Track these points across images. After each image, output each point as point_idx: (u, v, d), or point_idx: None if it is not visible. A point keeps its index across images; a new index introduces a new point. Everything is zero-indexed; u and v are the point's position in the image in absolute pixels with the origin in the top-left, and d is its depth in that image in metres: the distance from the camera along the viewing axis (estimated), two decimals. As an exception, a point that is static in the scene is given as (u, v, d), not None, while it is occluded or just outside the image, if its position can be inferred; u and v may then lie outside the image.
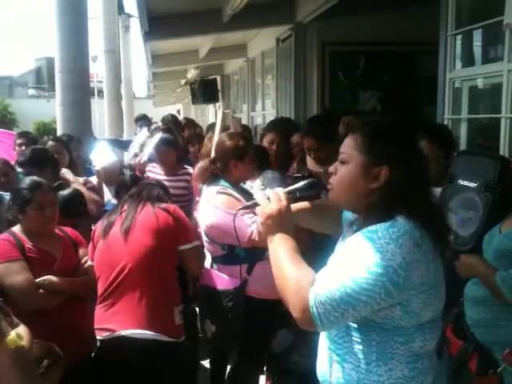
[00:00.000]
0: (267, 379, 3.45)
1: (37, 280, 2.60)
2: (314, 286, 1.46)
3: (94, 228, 2.92)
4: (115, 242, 2.72)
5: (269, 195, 1.67)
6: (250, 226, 2.83)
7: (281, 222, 1.62)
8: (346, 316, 1.44)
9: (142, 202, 2.84)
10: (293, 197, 1.71)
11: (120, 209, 2.86)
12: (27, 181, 2.82)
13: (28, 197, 2.69)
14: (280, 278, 1.56)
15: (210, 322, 3.00)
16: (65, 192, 3.38)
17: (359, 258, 1.44)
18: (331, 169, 1.65)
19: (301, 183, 1.76)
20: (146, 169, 4.60)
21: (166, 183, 4.24)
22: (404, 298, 1.46)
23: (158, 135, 4.49)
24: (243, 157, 3.07)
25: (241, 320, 2.92)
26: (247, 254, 2.91)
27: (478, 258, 2.39)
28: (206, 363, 3.69)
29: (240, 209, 1.89)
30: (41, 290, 2.60)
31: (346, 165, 1.60)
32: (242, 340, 2.98)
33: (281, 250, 1.58)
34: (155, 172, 4.50)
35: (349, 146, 1.61)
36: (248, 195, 3.11)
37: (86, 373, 2.65)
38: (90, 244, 2.88)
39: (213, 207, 2.96)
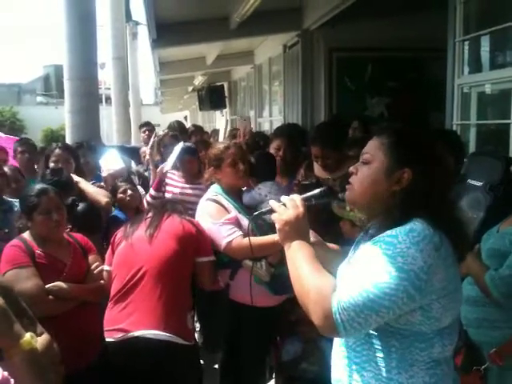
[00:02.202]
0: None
1: (46, 286, 2.60)
2: (336, 292, 1.45)
3: (114, 234, 2.96)
4: (139, 243, 2.78)
5: (285, 201, 1.67)
6: (225, 237, 2.89)
7: (298, 228, 1.62)
8: (369, 322, 1.44)
9: (166, 212, 2.94)
10: (308, 204, 1.70)
11: (144, 216, 2.95)
12: (33, 188, 2.85)
13: (34, 202, 2.71)
14: (299, 286, 1.55)
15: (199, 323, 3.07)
16: (81, 207, 3.38)
17: (380, 263, 1.43)
18: (351, 169, 1.64)
19: (316, 190, 1.76)
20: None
21: (186, 190, 4.26)
22: (425, 302, 1.45)
23: (180, 144, 4.49)
24: (219, 164, 3.11)
25: (222, 322, 3.01)
26: (230, 260, 2.97)
27: (471, 256, 2.39)
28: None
29: (255, 215, 1.89)
30: (50, 296, 2.61)
31: (369, 165, 1.59)
32: (224, 342, 3.07)
33: (299, 257, 1.58)
34: (174, 179, 4.48)
35: (373, 147, 1.60)
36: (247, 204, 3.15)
37: (90, 377, 2.64)
38: (109, 250, 2.93)
39: (200, 213, 3.06)
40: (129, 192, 3.87)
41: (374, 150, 1.59)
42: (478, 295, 2.38)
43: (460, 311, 1.60)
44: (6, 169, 3.78)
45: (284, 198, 1.68)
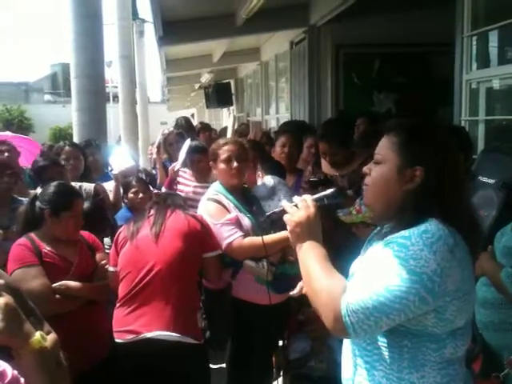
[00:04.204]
0: (283, 384, 3.45)
1: (53, 285, 2.61)
2: (346, 294, 1.44)
3: (117, 234, 2.92)
4: (144, 245, 2.75)
5: (296, 202, 1.65)
6: (226, 238, 2.88)
7: (309, 229, 1.61)
8: (379, 324, 1.42)
9: (169, 208, 2.90)
10: (321, 204, 1.68)
11: (147, 214, 2.90)
12: (65, 187, 2.85)
13: (67, 204, 2.72)
14: (310, 287, 1.54)
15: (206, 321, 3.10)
16: (86, 207, 3.32)
17: (392, 265, 1.41)
18: (365, 169, 1.62)
19: (328, 190, 1.74)
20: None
21: (197, 189, 4.24)
22: (439, 304, 1.43)
23: (188, 141, 4.47)
24: (215, 159, 3.11)
25: (227, 320, 3.01)
26: (231, 260, 2.96)
27: (485, 256, 2.36)
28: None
29: (268, 216, 1.90)
30: (57, 295, 2.61)
31: (381, 165, 1.57)
32: (229, 340, 3.09)
33: (310, 258, 1.57)
34: (186, 177, 4.48)
35: (384, 147, 1.58)
36: (249, 202, 3.14)
37: (99, 376, 2.65)
38: (113, 249, 2.89)
39: (201, 212, 3.04)
40: (140, 195, 3.89)
41: (384, 150, 1.57)
42: (493, 297, 2.34)
43: (473, 312, 1.58)
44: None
45: (296, 199, 1.67)
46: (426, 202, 1.49)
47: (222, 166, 3.06)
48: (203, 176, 4.36)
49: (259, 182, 3.56)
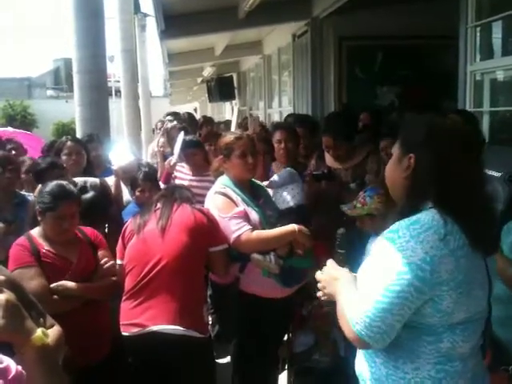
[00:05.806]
0: (289, 377, 3.45)
1: (51, 285, 2.57)
2: (351, 315, 1.51)
3: (124, 227, 2.91)
4: (151, 238, 2.74)
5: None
6: (234, 232, 2.86)
7: (342, 286, 1.67)
8: (387, 323, 1.45)
9: (176, 201, 2.89)
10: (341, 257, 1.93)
11: (153, 207, 2.89)
12: (56, 187, 2.74)
13: (51, 205, 2.66)
14: (339, 314, 1.61)
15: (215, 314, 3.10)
16: (88, 196, 3.28)
17: (383, 262, 1.46)
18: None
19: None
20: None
21: (193, 183, 4.24)
22: (436, 293, 1.45)
23: (181, 135, 4.46)
24: (229, 154, 3.06)
25: (234, 314, 3.04)
26: (239, 254, 2.94)
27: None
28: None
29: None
30: (55, 296, 2.57)
31: (391, 158, 1.69)
32: (237, 334, 3.11)
33: (342, 295, 1.62)
34: (183, 172, 4.48)
35: (396, 142, 1.69)
36: (256, 195, 3.12)
37: (102, 372, 2.64)
38: (120, 243, 2.88)
39: (208, 206, 3.03)
40: (147, 194, 3.83)
41: (395, 145, 1.68)
42: (500, 292, 2.31)
43: (482, 309, 1.57)
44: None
45: (318, 275, 1.78)
46: (421, 188, 1.54)
47: (237, 160, 3.03)
48: (198, 169, 4.37)
49: (274, 176, 3.55)
